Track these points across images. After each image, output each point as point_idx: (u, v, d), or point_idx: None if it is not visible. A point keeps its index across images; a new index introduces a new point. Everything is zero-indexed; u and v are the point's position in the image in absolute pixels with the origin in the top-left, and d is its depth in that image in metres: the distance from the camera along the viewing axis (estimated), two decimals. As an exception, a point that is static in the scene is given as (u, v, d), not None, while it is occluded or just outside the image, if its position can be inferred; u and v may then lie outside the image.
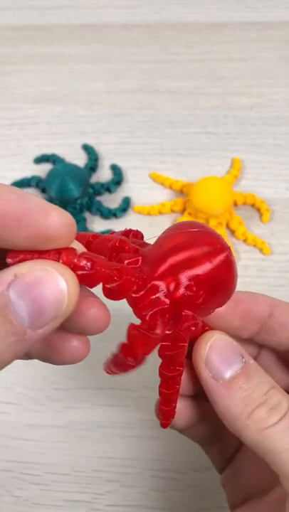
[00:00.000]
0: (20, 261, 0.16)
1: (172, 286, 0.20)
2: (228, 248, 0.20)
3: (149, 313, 0.19)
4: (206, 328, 0.23)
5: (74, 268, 0.17)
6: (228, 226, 0.42)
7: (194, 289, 0.20)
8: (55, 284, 0.16)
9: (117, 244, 0.19)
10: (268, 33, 0.51)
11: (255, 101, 0.48)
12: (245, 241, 0.41)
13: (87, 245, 0.20)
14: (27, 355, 0.21)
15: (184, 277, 0.19)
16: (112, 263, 0.19)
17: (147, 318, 0.19)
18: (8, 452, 0.35)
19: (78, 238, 0.19)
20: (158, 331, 0.20)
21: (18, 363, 0.31)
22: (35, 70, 0.50)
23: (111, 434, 0.35)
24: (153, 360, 0.34)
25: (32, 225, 0.16)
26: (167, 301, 0.20)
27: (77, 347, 0.20)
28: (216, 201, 0.40)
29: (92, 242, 0.20)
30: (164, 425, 0.24)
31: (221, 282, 0.20)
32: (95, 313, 0.19)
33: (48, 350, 0.20)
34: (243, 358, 0.22)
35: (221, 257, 0.20)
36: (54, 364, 0.21)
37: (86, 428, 0.36)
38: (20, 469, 0.35)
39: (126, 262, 0.19)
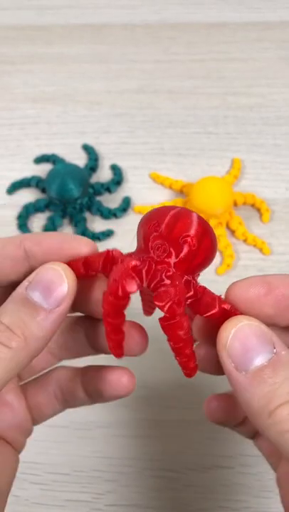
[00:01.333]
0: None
1: (167, 245, 0.21)
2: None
3: (163, 276, 0.21)
4: (236, 313, 0.21)
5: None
6: (228, 226, 0.42)
7: (187, 239, 0.21)
8: (55, 274, 0.21)
9: (111, 254, 0.22)
10: (268, 33, 0.51)
11: (255, 101, 0.48)
12: (245, 241, 0.41)
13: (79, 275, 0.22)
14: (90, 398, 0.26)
15: (175, 235, 0.21)
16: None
17: (165, 281, 0.21)
18: (8, 452, 0.35)
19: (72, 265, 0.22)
20: (176, 281, 0.21)
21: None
22: (35, 70, 0.50)
23: (111, 434, 0.35)
24: (152, 361, 0.34)
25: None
26: (171, 262, 0.21)
27: (125, 384, 0.25)
28: (216, 201, 0.40)
29: (83, 263, 0.22)
30: (186, 375, 0.22)
31: (204, 233, 0.22)
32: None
33: (102, 384, 0.25)
34: (274, 348, 0.19)
35: (195, 215, 0.22)
36: (103, 400, 0.26)
37: (86, 428, 0.36)
38: (21, 469, 0.34)
39: (119, 259, 0.21)
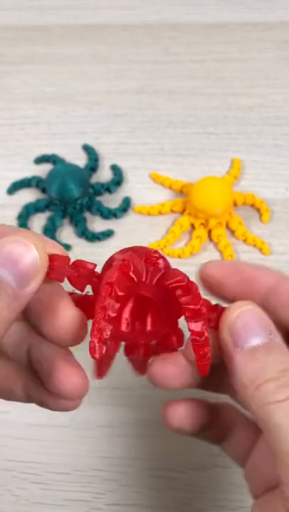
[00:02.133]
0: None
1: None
2: None
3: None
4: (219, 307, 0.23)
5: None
6: (228, 226, 0.42)
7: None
8: (26, 249, 0.19)
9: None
10: (268, 33, 0.51)
11: (255, 101, 0.48)
12: (245, 241, 0.41)
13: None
14: (27, 398, 0.25)
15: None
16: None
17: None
18: (8, 451, 0.35)
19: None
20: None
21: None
22: (35, 70, 0.50)
23: (111, 433, 0.35)
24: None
25: None
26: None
27: (77, 383, 0.24)
28: (216, 201, 0.40)
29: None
30: (200, 368, 0.23)
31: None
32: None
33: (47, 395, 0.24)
34: (270, 334, 0.22)
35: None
36: (51, 409, 0.25)
37: (86, 428, 0.36)
38: (21, 468, 0.35)
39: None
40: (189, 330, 0.22)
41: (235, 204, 0.42)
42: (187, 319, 0.22)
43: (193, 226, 0.42)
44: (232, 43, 0.51)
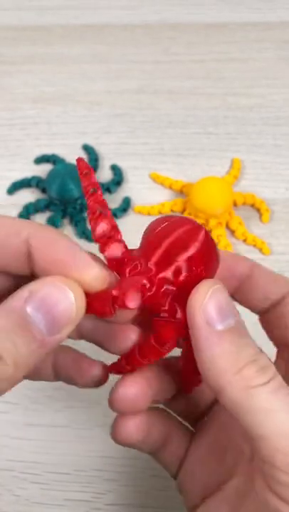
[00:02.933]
0: None
1: (173, 272, 0.21)
2: (202, 225, 0.23)
3: (167, 302, 0.21)
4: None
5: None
6: (228, 226, 0.42)
7: (194, 268, 0.21)
8: (64, 295, 0.19)
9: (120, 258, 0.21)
10: (268, 33, 0.51)
11: (255, 101, 0.48)
12: (245, 241, 0.41)
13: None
14: (56, 376, 0.25)
15: (182, 261, 0.21)
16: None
17: (166, 307, 0.21)
18: (8, 451, 0.35)
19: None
20: (179, 314, 0.21)
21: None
22: (35, 71, 0.50)
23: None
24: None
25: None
26: (174, 288, 0.21)
27: (99, 374, 0.24)
28: (216, 201, 0.40)
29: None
30: (186, 391, 0.23)
31: (210, 254, 0.22)
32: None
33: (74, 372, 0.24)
34: (235, 316, 0.21)
35: (202, 233, 0.22)
36: (73, 384, 0.25)
37: (86, 427, 0.36)
38: (21, 468, 0.35)
39: (127, 270, 0.21)
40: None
41: (235, 204, 0.42)
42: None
43: (193, 226, 0.42)
44: (232, 43, 0.51)
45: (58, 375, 0.25)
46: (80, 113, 0.48)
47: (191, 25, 0.52)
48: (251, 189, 0.44)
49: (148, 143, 0.46)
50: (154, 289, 0.21)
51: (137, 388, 0.23)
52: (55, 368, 0.25)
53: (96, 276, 0.20)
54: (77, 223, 0.42)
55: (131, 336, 0.23)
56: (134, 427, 0.24)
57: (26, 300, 0.18)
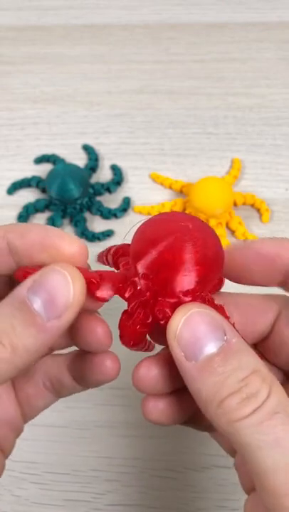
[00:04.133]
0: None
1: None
2: (194, 220, 0.21)
3: (136, 305, 0.20)
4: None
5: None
6: (228, 226, 0.42)
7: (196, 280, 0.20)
8: (62, 280, 0.19)
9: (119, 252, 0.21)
10: (268, 33, 0.51)
11: (255, 101, 0.48)
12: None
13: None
14: (75, 383, 0.25)
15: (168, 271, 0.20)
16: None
17: (135, 311, 0.20)
18: (8, 452, 0.35)
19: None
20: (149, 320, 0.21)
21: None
22: (35, 71, 0.50)
23: (110, 433, 0.35)
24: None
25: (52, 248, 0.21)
26: (147, 293, 0.20)
27: (109, 366, 0.23)
28: (216, 201, 0.40)
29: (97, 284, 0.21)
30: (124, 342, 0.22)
31: (203, 260, 0.21)
32: (100, 331, 0.22)
33: (85, 369, 0.24)
34: (225, 335, 0.19)
35: (188, 243, 0.21)
36: (90, 385, 0.25)
37: (86, 428, 0.36)
38: (20, 469, 0.35)
39: (121, 264, 0.21)
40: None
41: (235, 204, 0.42)
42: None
43: (193, 226, 0.42)
44: (232, 43, 0.51)
45: (78, 383, 0.25)
46: (80, 113, 0.48)
47: (191, 25, 0.52)
48: (251, 189, 0.43)
49: (148, 143, 0.46)
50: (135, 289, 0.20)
51: (157, 369, 0.22)
52: (73, 376, 0.25)
53: (72, 248, 0.20)
54: (77, 223, 0.42)
55: (97, 329, 0.22)
56: (162, 408, 0.23)
57: (28, 288, 0.19)
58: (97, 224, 0.43)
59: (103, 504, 0.34)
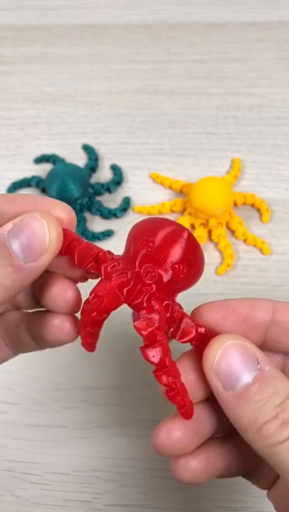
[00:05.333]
0: None
1: (155, 269, 0.21)
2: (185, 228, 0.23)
3: (144, 300, 0.21)
4: (212, 334, 0.22)
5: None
6: (228, 226, 0.42)
7: (176, 265, 0.21)
8: (40, 225, 0.20)
9: (100, 254, 0.22)
10: (268, 33, 0.51)
11: (255, 101, 0.48)
12: (245, 241, 0.41)
13: (67, 247, 0.22)
14: (32, 341, 0.25)
15: (163, 261, 0.21)
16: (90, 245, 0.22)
17: (144, 304, 0.21)
18: (8, 452, 0.35)
19: (64, 234, 0.22)
20: (156, 306, 0.21)
21: (17, 363, 0.31)
22: (35, 71, 0.50)
23: (111, 433, 0.35)
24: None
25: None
26: (154, 286, 0.21)
27: (69, 327, 0.24)
28: (216, 201, 0.40)
29: (75, 247, 0.22)
30: (184, 415, 0.21)
31: (193, 254, 0.22)
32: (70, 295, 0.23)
33: (45, 329, 0.24)
34: (258, 364, 0.20)
35: (185, 234, 0.22)
36: (47, 345, 0.25)
37: (86, 428, 0.36)
38: (21, 469, 0.35)
39: (108, 267, 0.22)
40: (159, 383, 0.21)
41: (235, 204, 0.42)
42: (154, 372, 0.21)
43: (193, 226, 0.42)
44: (232, 43, 0.51)
45: (34, 339, 0.25)
46: (80, 113, 0.48)
47: (191, 25, 0.52)
48: (251, 189, 0.43)
49: (148, 143, 0.46)
50: (131, 283, 0.21)
51: (180, 431, 0.22)
52: (31, 334, 0.25)
53: (62, 213, 0.22)
54: (77, 223, 0.42)
55: (67, 291, 0.23)
56: (196, 464, 0.23)
57: (9, 231, 0.20)
58: (97, 224, 0.43)
59: (103, 504, 0.34)
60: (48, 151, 0.46)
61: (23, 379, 0.37)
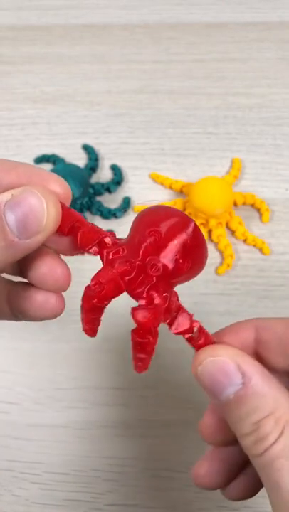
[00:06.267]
0: None
1: (160, 261, 0.21)
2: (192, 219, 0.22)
3: (145, 290, 0.21)
4: (211, 340, 0.22)
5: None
6: (228, 226, 0.42)
7: (179, 259, 0.21)
8: (38, 203, 0.19)
9: (104, 239, 0.22)
10: (268, 33, 0.51)
11: (255, 101, 0.48)
12: (245, 241, 0.41)
13: (71, 228, 0.22)
14: (11, 311, 0.24)
15: (167, 252, 0.21)
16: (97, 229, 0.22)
17: (144, 294, 0.21)
18: (8, 452, 0.35)
19: (68, 213, 0.21)
20: (157, 300, 0.21)
21: (17, 363, 0.31)
22: (35, 71, 0.50)
23: (110, 433, 0.35)
24: (152, 361, 0.34)
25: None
26: (155, 278, 0.21)
27: (54, 303, 0.23)
28: (216, 201, 0.40)
29: (79, 228, 0.22)
30: (136, 367, 0.22)
31: (197, 246, 0.22)
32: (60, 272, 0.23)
33: (27, 303, 0.23)
34: (243, 377, 0.20)
35: (191, 225, 0.22)
36: (27, 319, 0.24)
37: (86, 428, 0.36)
38: (21, 469, 0.35)
39: (110, 253, 0.21)
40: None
41: (235, 204, 0.42)
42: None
43: (193, 226, 0.42)
44: (232, 43, 0.51)
45: (12, 309, 0.25)
46: (80, 113, 0.48)
47: (191, 25, 0.52)
48: (251, 189, 0.43)
49: (148, 143, 0.46)
50: (133, 273, 0.21)
51: (206, 467, 0.24)
52: (11, 305, 0.25)
53: (57, 188, 0.21)
54: (77, 223, 0.42)
55: (57, 270, 0.22)
56: (236, 490, 0.25)
57: (6, 202, 0.19)
58: (97, 224, 0.42)
59: (103, 504, 0.34)
60: (48, 151, 0.46)
61: (23, 379, 0.37)
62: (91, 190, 0.43)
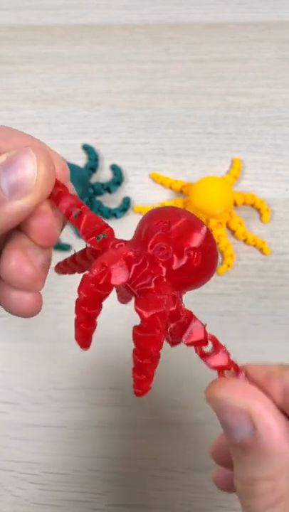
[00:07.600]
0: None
1: (170, 248, 0.19)
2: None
3: (152, 281, 0.19)
4: (232, 362, 0.19)
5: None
6: (228, 226, 0.42)
7: (192, 252, 0.19)
8: (29, 161, 0.19)
9: (108, 230, 0.20)
10: (268, 33, 0.51)
11: (255, 101, 0.48)
12: (245, 241, 0.41)
13: (80, 214, 0.20)
14: None
15: (180, 243, 0.19)
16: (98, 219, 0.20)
17: (152, 285, 0.19)
18: (7, 452, 0.35)
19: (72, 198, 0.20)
20: (164, 291, 0.19)
21: (17, 363, 0.31)
22: (35, 71, 0.50)
23: (110, 434, 0.35)
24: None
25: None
26: (164, 269, 0.19)
27: (29, 301, 0.21)
28: (216, 201, 0.40)
29: (84, 214, 0.20)
30: (136, 393, 0.20)
31: (209, 250, 0.20)
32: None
33: (2, 299, 0.22)
34: (252, 426, 0.18)
35: (204, 227, 0.20)
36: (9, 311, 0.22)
37: (85, 428, 0.36)
38: (20, 469, 0.35)
39: (116, 244, 0.20)
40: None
41: (235, 204, 0.42)
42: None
43: (193, 226, 0.42)
44: (232, 43, 0.51)
45: None
46: (80, 113, 0.48)
47: (191, 25, 0.52)
48: (251, 189, 0.43)
49: (148, 143, 0.46)
50: (140, 261, 0.19)
51: (223, 471, 0.24)
52: None
53: (55, 157, 0.21)
54: (77, 223, 0.42)
55: (24, 268, 0.21)
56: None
57: (2, 164, 0.19)
58: (97, 224, 0.43)
59: (102, 504, 0.34)
60: (47, 151, 0.46)
61: (23, 379, 0.37)
62: (91, 190, 0.43)
